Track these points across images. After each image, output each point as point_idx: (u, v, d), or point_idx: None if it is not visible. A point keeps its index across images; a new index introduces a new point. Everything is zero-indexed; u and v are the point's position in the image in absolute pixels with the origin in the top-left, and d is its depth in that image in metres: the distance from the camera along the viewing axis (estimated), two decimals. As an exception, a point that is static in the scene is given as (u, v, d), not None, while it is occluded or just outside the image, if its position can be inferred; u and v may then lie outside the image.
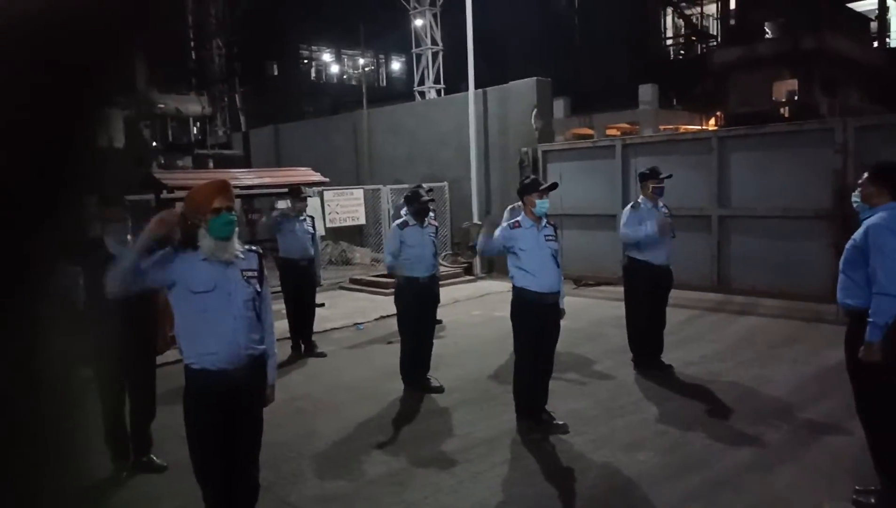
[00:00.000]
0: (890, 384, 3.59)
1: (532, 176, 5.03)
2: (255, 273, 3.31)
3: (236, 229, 3.25)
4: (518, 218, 4.81)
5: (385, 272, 9.90)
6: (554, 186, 4.74)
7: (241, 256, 3.28)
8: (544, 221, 4.79)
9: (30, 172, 0.85)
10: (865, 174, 3.70)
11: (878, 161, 3.81)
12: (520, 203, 4.95)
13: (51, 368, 0.92)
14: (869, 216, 3.60)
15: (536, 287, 4.75)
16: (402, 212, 6.46)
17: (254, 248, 3.40)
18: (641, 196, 6.22)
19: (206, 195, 3.18)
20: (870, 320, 3.46)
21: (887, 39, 35.64)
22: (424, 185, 7.91)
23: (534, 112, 11.86)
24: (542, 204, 4.69)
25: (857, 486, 3.76)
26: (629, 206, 6.26)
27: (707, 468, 4.31)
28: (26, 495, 0.92)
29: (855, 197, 3.74)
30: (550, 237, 4.78)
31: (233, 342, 3.19)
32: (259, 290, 3.33)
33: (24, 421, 0.92)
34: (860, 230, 3.59)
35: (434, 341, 6.40)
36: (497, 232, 4.84)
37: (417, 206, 5.90)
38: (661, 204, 6.22)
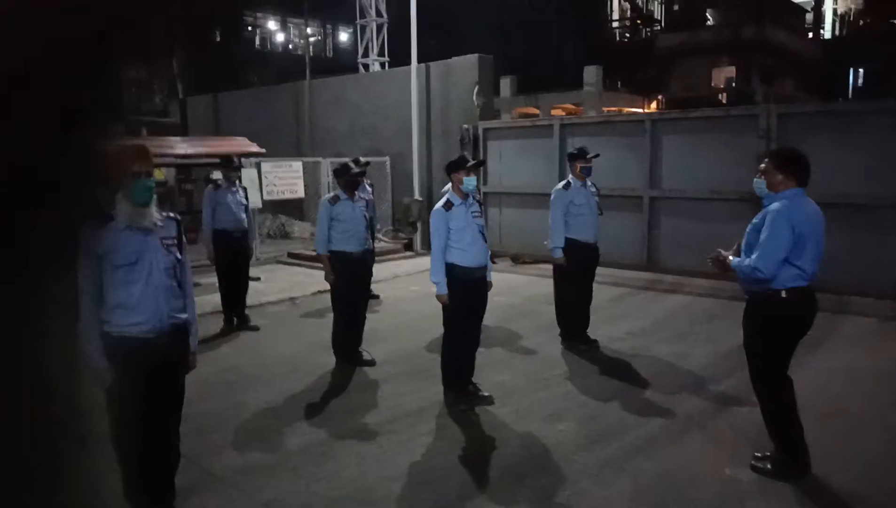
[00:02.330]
0: (774, 360, 3.87)
1: (461, 154, 5.09)
2: (175, 240, 3.30)
3: (155, 195, 3.21)
4: (447, 196, 4.88)
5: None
6: (480, 163, 4.82)
7: (160, 223, 3.25)
8: (471, 197, 4.87)
9: None
10: (765, 161, 3.89)
11: (776, 148, 4.01)
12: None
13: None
14: (772, 201, 3.79)
15: (466, 262, 4.84)
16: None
17: (171, 215, 3.37)
18: (570, 176, 6.36)
19: (125, 160, 3.14)
20: (739, 262, 3.84)
21: (822, 31, 36.92)
22: (362, 158, 7.88)
23: (475, 89, 11.89)
24: (469, 181, 4.76)
25: (756, 453, 4.01)
26: (560, 185, 6.39)
27: (622, 437, 4.51)
28: None
29: (757, 183, 3.93)
30: (477, 214, 4.87)
31: (156, 311, 3.21)
32: (179, 257, 3.33)
33: None
34: (760, 214, 3.80)
35: (371, 315, 6.44)
36: (436, 221, 4.86)
37: (347, 179, 5.89)
38: (589, 183, 6.38)
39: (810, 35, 35.61)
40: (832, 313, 7.18)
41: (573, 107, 27.90)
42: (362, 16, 16.47)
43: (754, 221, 3.84)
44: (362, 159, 7.59)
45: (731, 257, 3.91)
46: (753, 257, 3.72)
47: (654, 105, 29.83)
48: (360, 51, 16.74)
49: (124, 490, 3.35)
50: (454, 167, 4.81)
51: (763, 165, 3.89)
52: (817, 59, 32.24)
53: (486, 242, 4.96)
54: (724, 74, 31.14)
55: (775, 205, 3.72)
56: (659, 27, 35.41)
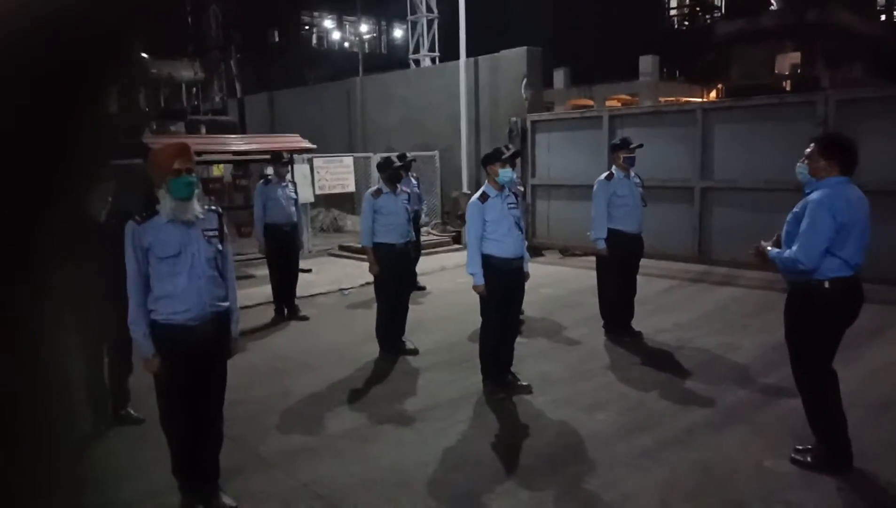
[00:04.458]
0: (817, 351, 3.77)
1: (497, 146, 5.11)
2: (216, 232, 3.45)
3: (196, 190, 3.37)
4: (483, 189, 4.93)
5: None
6: (516, 154, 4.84)
7: (202, 216, 3.41)
8: (507, 189, 4.90)
9: (30, 143, 0.87)
10: (811, 146, 3.77)
11: (824, 133, 3.89)
12: None
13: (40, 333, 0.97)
14: (813, 190, 3.69)
15: (502, 253, 4.88)
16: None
17: (213, 207, 3.53)
18: (614, 167, 6.31)
19: (166, 158, 3.31)
20: (779, 253, 3.73)
21: (895, 12, 35.13)
22: (409, 154, 8.00)
23: (524, 82, 11.86)
24: (504, 173, 4.79)
25: (797, 445, 3.92)
26: (602, 177, 6.34)
27: (661, 427, 4.48)
28: (8, 447, 0.98)
29: (800, 168, 3.82)
30: (513, 205, 4.89)
31: (199, 300, 3.36)
32: (220, 248, 3.48)
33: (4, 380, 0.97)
34: (801, 203, 3.69)
35: (416, 306, 6.52)
36: (471, 213, 4.92)
37: (390, 172, 6.00)
38: (633, 174, 6.30)
39: (883, 18, 33.94)
40: (890, 303, 6.91)
41: (628, 98, 27.43)
42: (413, 12, 16.60)
43: (794, 210, 3.74)
44: (409, 155, 7.73)
45: (769, 248, 3.82)
46: (794, 247, 3.62)
47: (713, 94, 29.03)
48: (412, 47, 16.89)
49: (173, 468, 3.55)
50: (490, 160, 4.86)
51: (808, 150, 3.77)
52: (888, 41, 30.71)
53: (521, 232, 4.98)
54: (788, 61, 30.00)
55: (815, 194, 3.62)
56: (718, 14, 34.38)
